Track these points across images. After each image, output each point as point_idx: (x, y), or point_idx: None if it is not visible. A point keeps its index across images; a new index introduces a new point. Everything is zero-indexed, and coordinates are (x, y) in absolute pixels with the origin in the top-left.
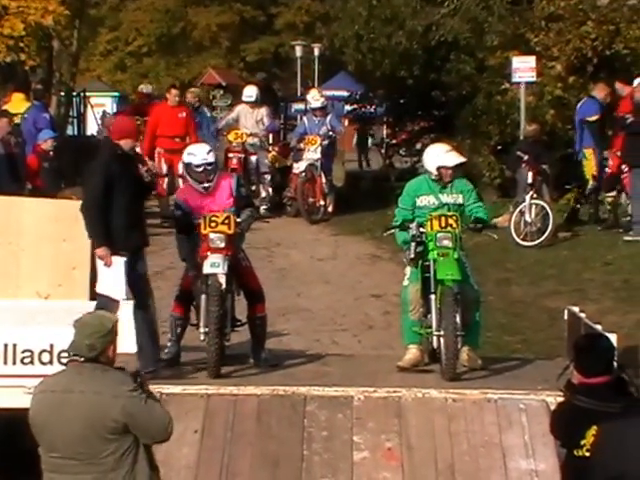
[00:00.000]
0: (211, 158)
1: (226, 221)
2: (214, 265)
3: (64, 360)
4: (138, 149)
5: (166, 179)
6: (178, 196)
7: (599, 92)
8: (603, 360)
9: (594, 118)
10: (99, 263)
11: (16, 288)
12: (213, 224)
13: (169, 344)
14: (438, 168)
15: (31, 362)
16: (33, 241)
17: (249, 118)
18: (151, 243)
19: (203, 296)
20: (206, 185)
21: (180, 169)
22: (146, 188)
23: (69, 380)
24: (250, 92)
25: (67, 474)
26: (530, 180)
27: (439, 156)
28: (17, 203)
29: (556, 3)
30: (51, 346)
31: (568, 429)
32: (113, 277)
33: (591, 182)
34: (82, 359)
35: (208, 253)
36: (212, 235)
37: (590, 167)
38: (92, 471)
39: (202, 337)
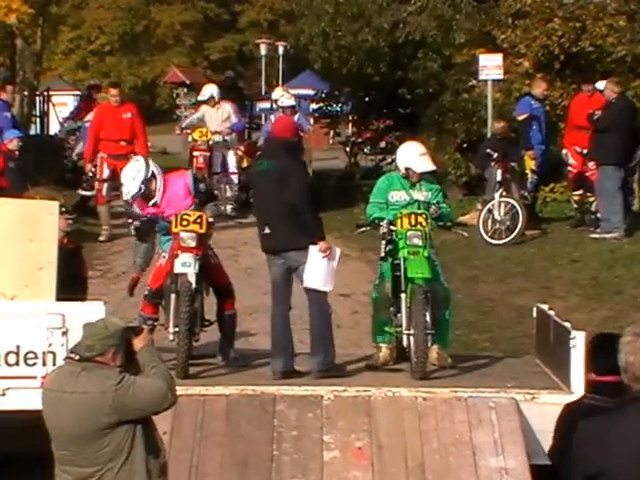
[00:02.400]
0: (135, 187)
1: (198, 220)
2: (185, 264)
3: (30, 361)
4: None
5: (105, 185)
6: (134, 206)
7: (536, 88)
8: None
9: (523, 117)
10: (313, 257)
11: None
12: (185, 223)
13: None
14: (406, 169)
15: None
16: None
17: (214, 117)
18: (117, 243)
19: (173, 295)
20: (152, 202)
21: None
22: None
23: (63, 380)
24: (205, 91)
25: (72, 466)
26: (499, 178)
27: (410, 158)
28: None
29: (522, 0)
30: (17, 347)
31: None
32: (330, 268)
33: (530, 176)
34: (77, 357)
35: (178, 252)
36: (183, 234)
37: (528, 163)
38: (92, 464)
39: (171, 337)
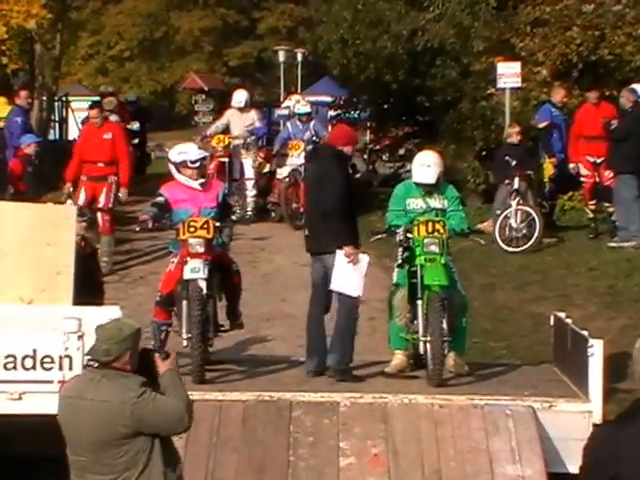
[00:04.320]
0: (203, 152)
1: (205, 226)
2: (194, 270)
3: (47, 365)
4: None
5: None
6: (164, 188)
7: (555, 95)
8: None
9: (544, 124)
10: (339, 260)
11: None
12: (192, 229)
13: None
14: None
15: (14, 367)
16: (16, 246)
17: (238, 123)
18: (133, 249)
19: (184, 302)
20: (202, 181)
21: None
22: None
23: (82, 387)
24: (240, 97)
25: (88, 473)
26: (516, 186)
27: (414, 167)
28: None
29: (541, 8)
30: (34, 351)
31: None
32: (355, 274)
33: (548, 185)
34: (97, 364)
35: (188, 258)
36: (191, 240)
37: (548, 171)
38: (108, 472)
39: (185, 343)
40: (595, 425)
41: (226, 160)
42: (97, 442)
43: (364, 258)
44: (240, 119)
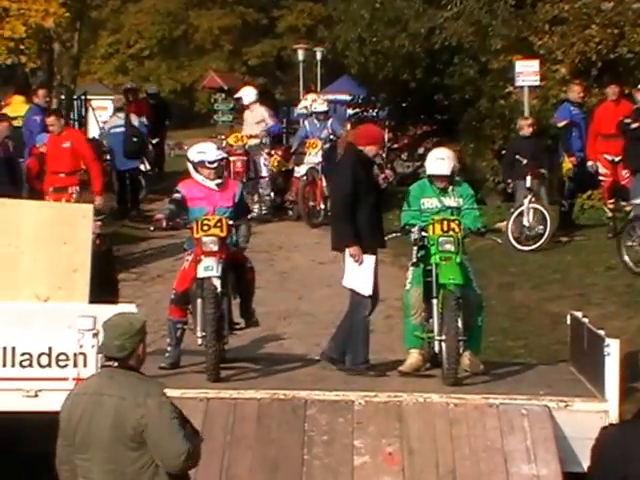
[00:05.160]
0: (222, 154)
1: (218, 224)
2: (208, 268)
3: (62, 363)
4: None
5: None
6: (181, 185)
7: (571, 93)
8: None
9: (562, 124)
10: (348, 260)
11: (15, 290)
12: (205, 227)
13: (169, 348)
14: (429, 175)
15: (30, 365)
16: (33, 243)
17: (249, 120)
18: (150, 247)
19: (199, 300)
20: (219, 181)
21: None
22: (381, 193)
23: (100, 383)
24: (242, 94)
25: (91, 479)
26: (529, 184)
27: (429, 163)
28: (17, 205)
29: (560, 6)
30: (50, 349)
31: None
32: (363, 274)
33: (567, 184)
34: (115, 364)
35: (202, 257)
36: (205, 239)
37: (567, 169)
38: (111, 479)
39: (199, 341)
40: (603, 427)
41: (244, 159)
42: (107, 438)
43: (370, 259)
44: (250, 116)
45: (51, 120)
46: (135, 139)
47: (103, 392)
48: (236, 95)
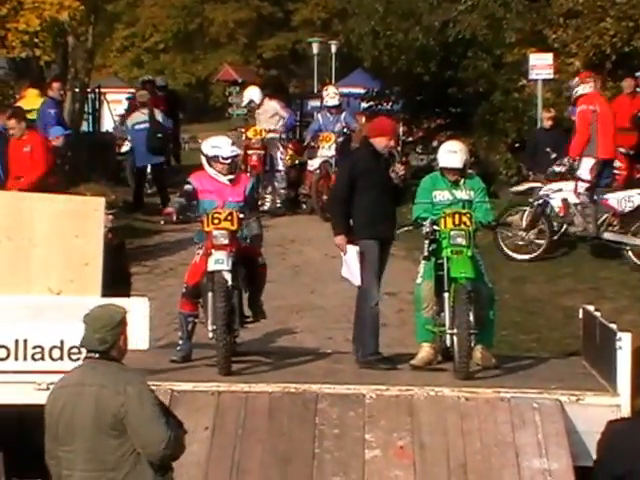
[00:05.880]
0: (236, 150)
1: (229, 217)
2: (218, 262)
3: (74, 356)
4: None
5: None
6: (192, 177)
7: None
8: None
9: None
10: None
11: (27, 284)
12: (216, 221)
13: (181, 342)
14: (441, 168)
15: (42, 358)
16: (45, 237)
17: (262, 118)
18: (163, 240)
19: (209, 294)
20: (231, 177)
21: None
22: (395, 188)
23: (82, 375)
24: (250, 96)
25: (78, 470)
26: None
27: (440, 154)
28: (29, 199)
29: None
30: (61, 342)
31: None
32: (351, 264)
33: None
34: (97, 355)
35: (212, 250)
36: (215, 232)
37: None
38: (94, 468)
39: (210, 335)
40: (610, 421)
41: (261, 152)
42: (89, 427)
43: (351, 249)
44: (263, 113)
45: (11, 123)
46: (159, 135)
47: (84, 382)
48: (245, 101)
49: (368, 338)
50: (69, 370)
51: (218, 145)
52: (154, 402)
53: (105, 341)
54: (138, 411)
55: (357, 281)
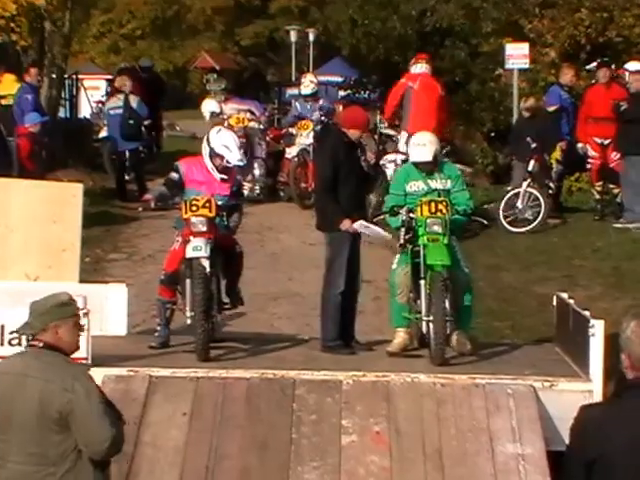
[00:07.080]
0: (244, 160)
1: (207, 204)
2: (197, 249)
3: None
4: None
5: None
6: (182, 163)
7: (564, 77)
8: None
9: (553, 108)
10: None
11: (4, 269)
12: (194, 208)
13: (159, 328)
14: (412, 163)
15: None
16: (22, 223)
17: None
18: (145, 226)
19: (188, 280)
20: (224, 177)
21: None
22: (366, 176)
23: (25, 364)
24: (208, 109)
25: (11, 462)
26: (530, 168)
27: (411, 151)
28: (6, 184)
29: None
30: None
31: None
32: (368, 232)
33: (555, 166)
34: (41, 344)
35: (191, 237)
36: (194, 219)
37: (555, 153)
38: (32, 462)
39: (189, 321)
40: (583, 406)
41: (244, 141)
42: (30, 420)
43: (358, 224)
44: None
45: None
46: (131, 122)
47: (28, 373)
48: (206, 115)
49: (329, 324)
50: (9, 355)
51: (229, 146)
52: (100, 400)
53: (31, 327)
54: (85, 409)
55: (387, 236)
